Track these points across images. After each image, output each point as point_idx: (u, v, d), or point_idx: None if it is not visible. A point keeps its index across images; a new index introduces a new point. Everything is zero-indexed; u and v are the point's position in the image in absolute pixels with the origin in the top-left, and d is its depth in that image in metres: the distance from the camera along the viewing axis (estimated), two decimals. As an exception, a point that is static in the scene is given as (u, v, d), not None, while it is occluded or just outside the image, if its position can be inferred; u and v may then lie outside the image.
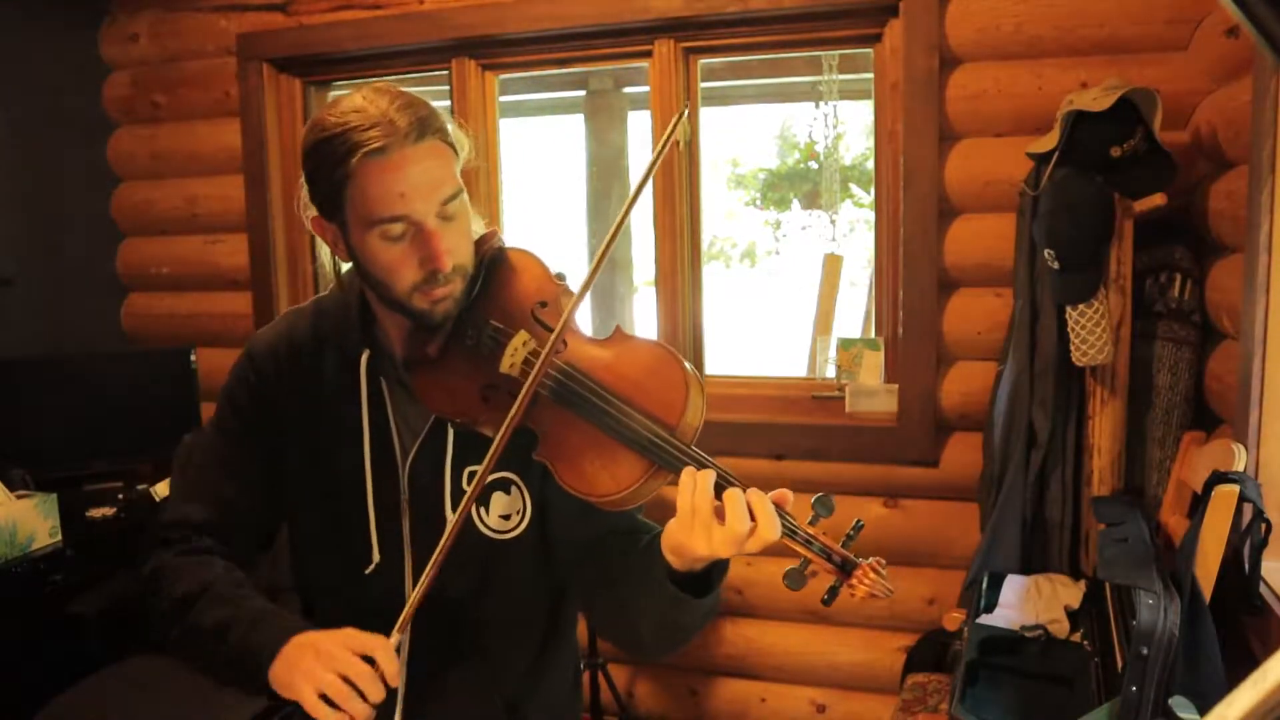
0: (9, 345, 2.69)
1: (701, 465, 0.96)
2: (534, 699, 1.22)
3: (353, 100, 1.03)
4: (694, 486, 0.94)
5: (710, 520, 0.92)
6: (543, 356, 1.01)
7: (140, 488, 2.61)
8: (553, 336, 1.02)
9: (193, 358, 2.77)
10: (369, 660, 0.98)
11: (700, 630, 1.07)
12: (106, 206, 3.06)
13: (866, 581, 0.95)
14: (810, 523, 0.97)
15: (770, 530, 0.92)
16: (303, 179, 1.08)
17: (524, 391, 1.00)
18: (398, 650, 1.00)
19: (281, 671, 1.01)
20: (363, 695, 0.96)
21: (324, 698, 0.96)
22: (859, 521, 1.00)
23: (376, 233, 1.02)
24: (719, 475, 0.95)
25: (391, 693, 1.14)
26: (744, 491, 0.94)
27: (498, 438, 1.00)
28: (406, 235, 1.03)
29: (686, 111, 1.11)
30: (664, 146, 1.06)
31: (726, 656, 2.58)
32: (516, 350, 1.07)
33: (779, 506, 0.95)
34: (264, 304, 2.87)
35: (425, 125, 1.01)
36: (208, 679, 1.10)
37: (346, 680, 0.97)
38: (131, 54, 2.97)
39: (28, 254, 2.80)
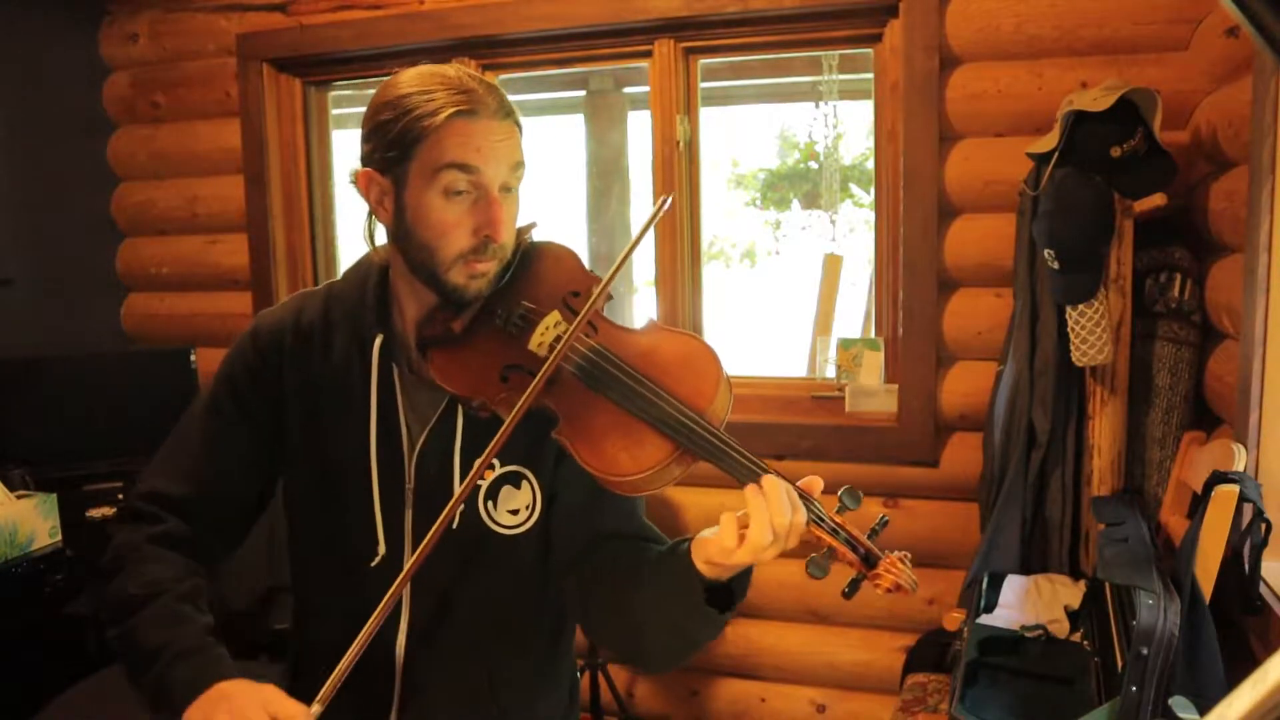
0: (9, 345, 2.68)
1: (728, 450, 0.96)
2: (532, 705, 1.20)
3: (438, 68, 1.06)
4: (771, 510, 0.92)
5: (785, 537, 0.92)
6: (570, 330, 1.01)
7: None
8: (582, 312, 1.02)
9: (193, 358, 2.77)
10: None
11: (703, 646, 1.06)
12: (106, 206, 3.06)
13: (893, 572, 0.94)
14: (836, 513, 0.97)
15: (796, 514, 0.92)
16: (361, 136, 1.09)
17: (547, 365, 1.00)
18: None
19: (194, 715, 0.98)
20: None
21: None
22: (884, 517, 0.99)
23: (441, 185, 1.03)
24: (754, 464, 0.95)
25: (387, 695, 1.14)
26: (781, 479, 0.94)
27: (515, 409, 0.99)
28: (468, 197, 1.05)
29: (671, 200, 1.12)
30: (651, 221, 1.07)
31: (727, 656, 2.58)
32: (547, 329, 1.07)
33: (807, 494, 0.95)
34: (264, 304, 2.87)
35: (508, 109, 1.07)
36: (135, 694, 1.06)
37: None
38: (131, 54, 2.97)
39: (28, 254, 2.80)
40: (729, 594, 1.00)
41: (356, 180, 1.10)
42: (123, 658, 1.07)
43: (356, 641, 0.96)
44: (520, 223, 1.14)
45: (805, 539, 0.95)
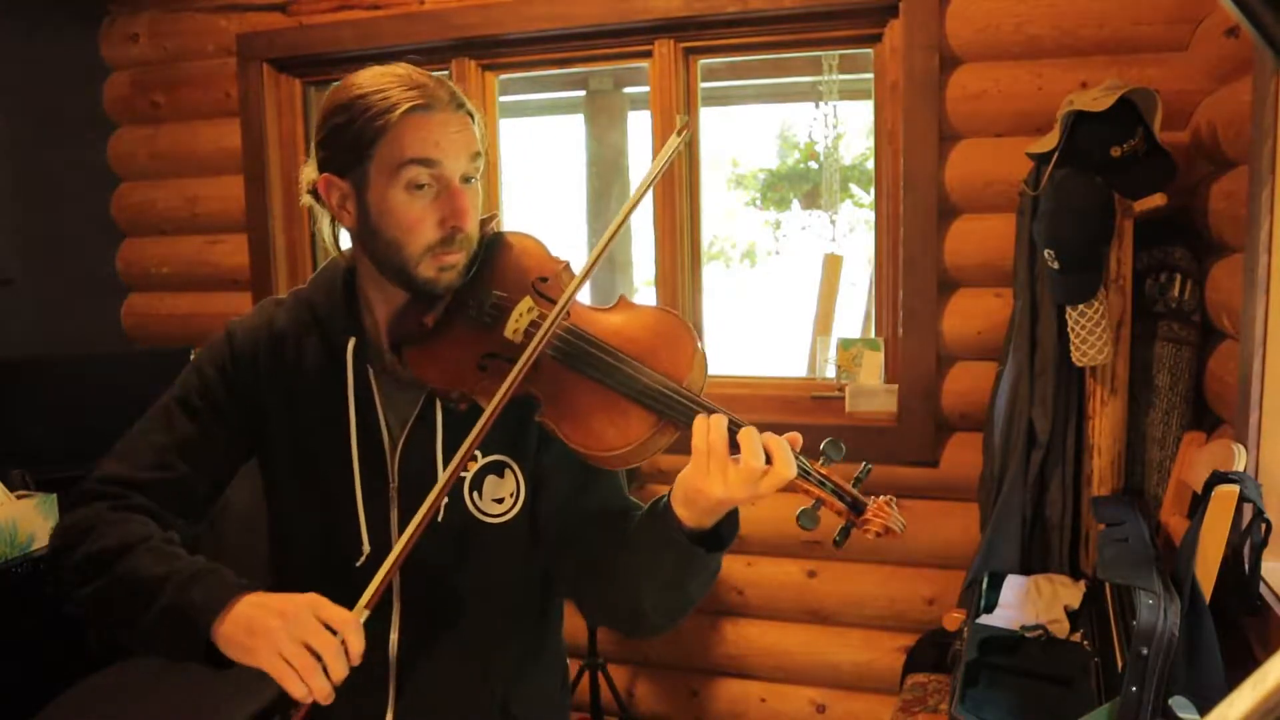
0: (9, 345, 2.68)
1: (712, 412, 0.98)
2: (524, 693, 1.21)
3: (388, 68, 1.08)
4: (708, 427, 0.95)
5: (725, 460, 0.93)
6: (554, 313, 1.02)
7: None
8: (564, 296, 1.04)
9: (192, 358, 2.77)
10: (334, 634, 0.95)
11: (700, 599, 1.07)
12: (106, 206, 3.06)
13: (880, 516, 0.96)
14: (821, 465, 0.98)
15: (787, 468, 0.93)
16: (315, 142, 1.10)
17: (530, 349, 1.01)
18: (365, 626, 0.97)
19: (236, 632, 0.95)
20: (325, 671, 0.93)
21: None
22: (867, 465, 1.01)
23: (403, 181, 1.04)
24: (730, 419, 0.96)
25: (383, 691, 1.14)
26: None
27: (498, 395, 1.00)
28: (430, 191, 1.06)
29: (686, 131, 1.13)
30: (669, 157, 1.09)
31: (727, 657, 2.58)
32: (521, 316, 1.08)
33: (791, 448, 0.96)
34: (264, 304, 2.87)
35: (460, 100, 1.08)
36: (131, 645, 1.02)
37: (311, 651, 0.93)
38: (131, 54, 2.97)
39: (28, 254, 2.80)
40: (718, 538, 1.02)
41: (316, 187, 1.11)
42: (114, 604, 1.03)
43: (396, 546, 0.97)
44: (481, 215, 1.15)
45: (792, 491, 0.97)
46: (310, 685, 0.92)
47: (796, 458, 0.96)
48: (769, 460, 0.93)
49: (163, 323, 3.06)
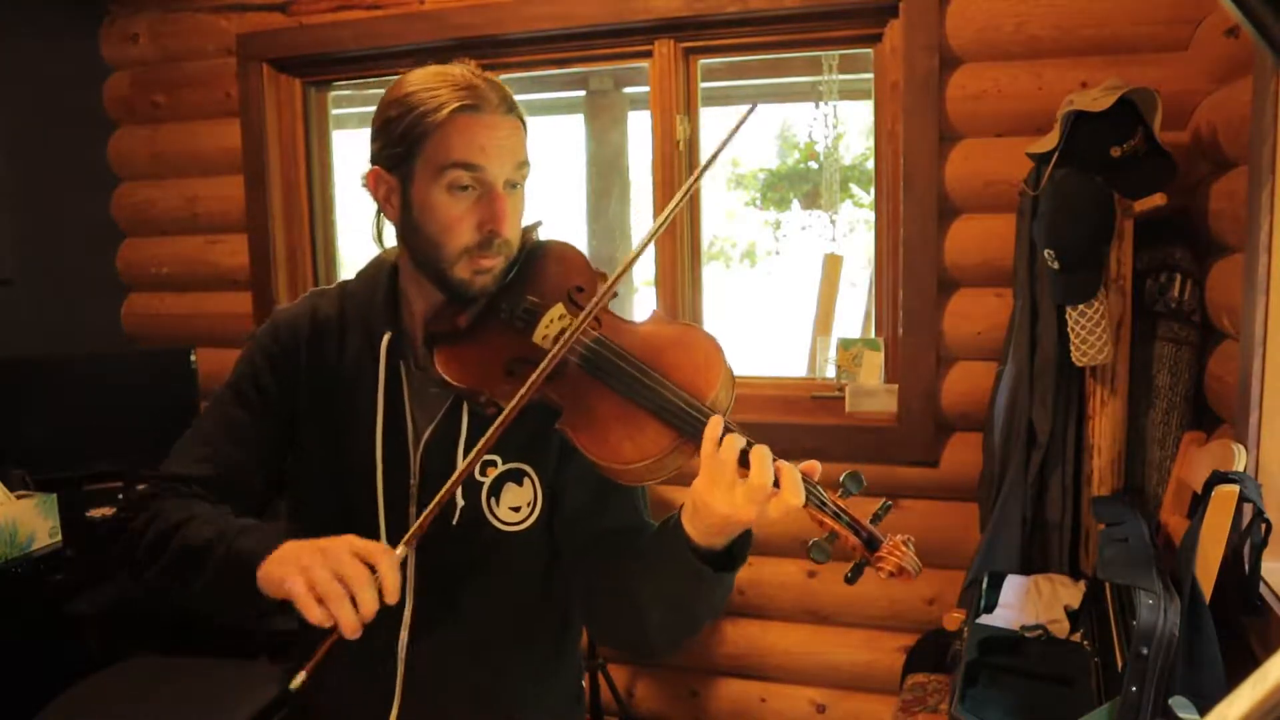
0: (9, 345, 2.68)
1: (729, 431, 0.96)
2: (533, 704, 1.20)
3: (444, 67, 1.09)
4: (718, 436, 0.93)
5: (734, 475, 0.91)
6: (579, 321, 1.01)
7: (140, 488, 2.60)
8: (592, 303, 1.03)
9: (193, 358, 2.77)
10: (371, 570, 0.94)
11: (705, 623, 1.06)
12: (106, 206, 3.06)
13: (895, 555, 0.94)
14: (840, 497, 0.96)
15: (794, 494, 0.91)
16: (371, 135, 1.11)
17: (550, 355, 1.00)
18: (403, 566, 0.96)
19: (274, 568, 0.97)
20: (355, 603, 0.91)
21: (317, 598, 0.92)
22: (887, 501, 0.98)
23: (445, 181, 1.05)
24: (746, 440, 0.94)
25: (389, 689, 1.14)
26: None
27: (516, 397, 0.99)
28: (472, 193, 1.06)
29: (755, 107, 1.10)
30: (730, 135, 1.06)
31: (727, 656, 2.58)
32: (552, 322, 1.08)
33: (808, 477, 0.94)
34: (264, 304, 2.87)
35: (512, 103, 1.08)
36: (195, 606, 1.06)
37: (341, 582, 0.92)
38: (131, 54, 2.97)
39: (28, 254, 2.80)
40: (729, 558, 1.00)
41: (366, 179, 1.13)
42: (177, 573, 1.07)
43: (414, 526, 0.97)
44: (526, 221, 1.15)
45: (807, 522, 0.95)
46: (336, 614, 0.91)
47: (813, 487, 0.94)
48: (777, 484, 0.91)
49: (163, 323, 3.06)
